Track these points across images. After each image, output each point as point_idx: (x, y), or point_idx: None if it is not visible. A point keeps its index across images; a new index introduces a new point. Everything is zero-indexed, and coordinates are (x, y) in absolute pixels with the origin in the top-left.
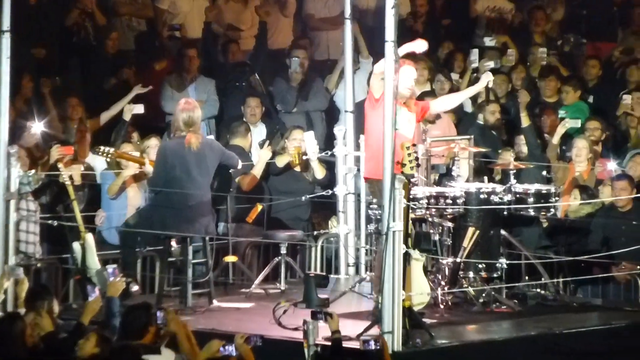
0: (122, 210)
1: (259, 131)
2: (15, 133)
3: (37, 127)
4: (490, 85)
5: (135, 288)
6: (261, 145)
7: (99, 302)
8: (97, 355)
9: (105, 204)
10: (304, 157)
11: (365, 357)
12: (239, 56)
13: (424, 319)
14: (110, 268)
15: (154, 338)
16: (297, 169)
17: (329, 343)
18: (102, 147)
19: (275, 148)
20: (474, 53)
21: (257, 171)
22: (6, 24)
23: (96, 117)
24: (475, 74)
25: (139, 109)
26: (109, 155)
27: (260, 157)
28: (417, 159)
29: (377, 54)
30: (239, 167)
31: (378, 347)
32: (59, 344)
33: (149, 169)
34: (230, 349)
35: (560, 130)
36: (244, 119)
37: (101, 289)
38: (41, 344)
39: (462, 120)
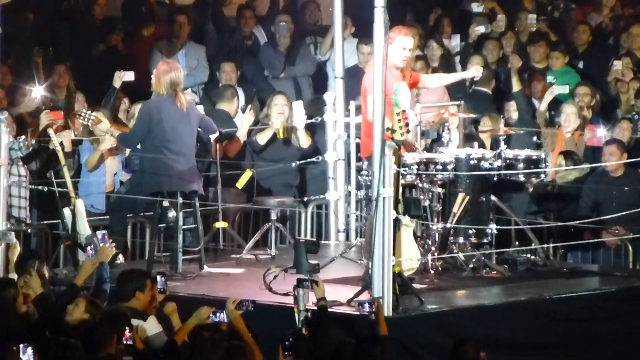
0: (101, 177)
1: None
2: (12, 99)
3: (37, 92)
4: (476, 79)
5: (120, 260)
6: (243, 109)
7: (94, 263)
8: (86, 320)
9: (84, 172)
10: (292, 124)
11: (352, 322)
12: (252, 23)
13: (413, 285)
14: (100, 234)
15: (146, 304)
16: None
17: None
18: (84, 112)
19: (258, 117)
20: (456, 38)
21: (241, 136)
22: None
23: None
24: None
25: (129, 76)
26: (91, 121)
27: (242, 122)
28: (407, 125)
29: (367, 20)
30: (217, 134)
31: (373, 310)
32: (52, 306)
33: None
34: (222, 316)
35: (548, 97)
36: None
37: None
38: (33, 308)
39: (453, 86)
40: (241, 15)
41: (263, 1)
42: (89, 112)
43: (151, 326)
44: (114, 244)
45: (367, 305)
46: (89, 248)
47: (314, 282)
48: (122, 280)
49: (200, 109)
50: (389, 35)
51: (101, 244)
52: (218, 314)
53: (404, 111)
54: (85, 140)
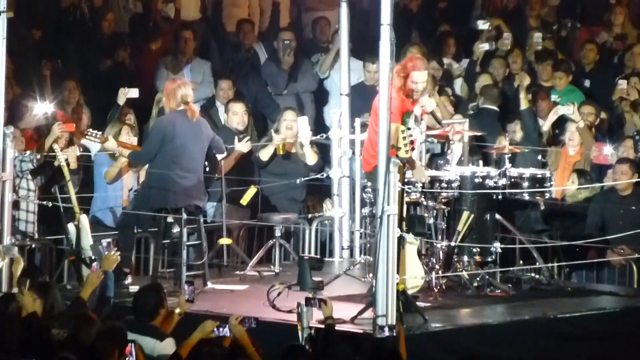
0: (118, 192)
1: None
2: (16, 114)
3: (41, 108)
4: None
5: (128, 280)
6: (240, 139)
7: (100, 276)
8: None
9: (100, 186)
10: (298, 140)
11: (357, 340)
12: (252, 37)
13: (417, 303)
14: (105, 242)
15: (164, 319)
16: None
17: (323, 326)
18: (91, 131)
19: (267, 132)
20: (464, 63)
21: (232, 159)
22: (2, 5)
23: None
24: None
25: (134, 93)
26: (98, 139)
27: (236, 148)
28: (411, 142)
29: (373, 37)
30: (224, 155)
31: (394, 335)
32: (39, 326)
33: None
34: (225, 330)
35: (552, 117)
36: (216, 100)
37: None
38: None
39: (460, 103)
40: (240, 29)
41: (264, 16)
42: (94, 131)
43: (168, 348)
44: (118, 252)
45: (387, 329)
46: (94, 264)
47: (322, 301)
48: (142, 298)
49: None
50: (403, 66)
51: (105, 252)
52: (222, 329)
53: (408, 129)
54: (102, 153)
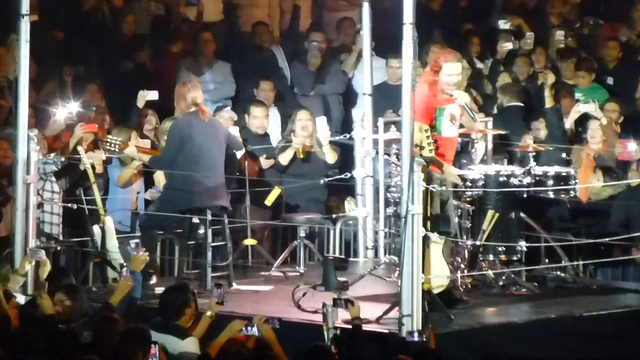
0: (128, 195)
1: (272, 115)
2: (39, 120)
3: (61, 114)
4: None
5: (153, 280)
6: (267, 157)
7: (130, 283)
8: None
9: (111, 189)
10: (316, 140)
11: (385, 340)
12: (268, 38)
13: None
14: (133, 243)
15: (192, 320)
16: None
17: (349, 326)
18: (109, 138)
19: (283, 134)
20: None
21: (257, 167)
22: (25, 8)
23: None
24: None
25: (153, 95)
26: (117, 146)
27: (261, 160)
28: (435, 141)
29: (394, 36)
30: (243, 151)
31: (424, 340)
32: (56, 328)
33: None
34: (253, 330)
35: (573, 115)
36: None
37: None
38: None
39: (485, 102)
40: (256, 31)
41: (284, 17)
42: (114, 138)
43: (189, 346)
44: (147, 253)
45: (416, 334)
46: (123, 270)
47: (350, 301)
48: (168, 297)
49: (235, 130)
50: (435, 60)
51: (134, 253)
52: (250, 328)
53: (432, 127)
54: (113, 157)
